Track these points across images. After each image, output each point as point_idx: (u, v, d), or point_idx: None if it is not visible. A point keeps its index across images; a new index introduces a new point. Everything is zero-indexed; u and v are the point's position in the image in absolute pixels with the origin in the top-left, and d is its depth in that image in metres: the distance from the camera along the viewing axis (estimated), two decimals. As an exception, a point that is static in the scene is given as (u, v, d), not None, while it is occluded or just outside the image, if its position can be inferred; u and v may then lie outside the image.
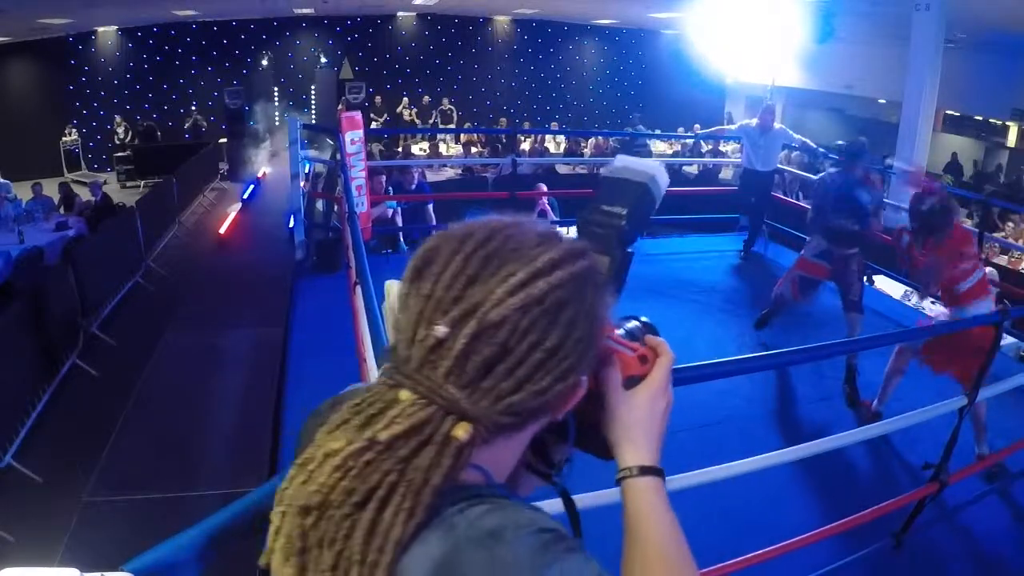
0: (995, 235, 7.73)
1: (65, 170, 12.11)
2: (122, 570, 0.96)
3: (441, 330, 0.56)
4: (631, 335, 0.74)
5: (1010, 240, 7.75)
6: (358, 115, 5.86)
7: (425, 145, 12.82)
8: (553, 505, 0.74)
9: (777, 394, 4.07)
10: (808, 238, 4.51)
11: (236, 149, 11.40)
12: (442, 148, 12.72)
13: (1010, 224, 8.57)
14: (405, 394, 0.58)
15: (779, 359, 3.25)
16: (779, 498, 2.91)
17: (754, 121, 6.25)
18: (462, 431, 0.56)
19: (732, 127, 8.70)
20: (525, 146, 12.29)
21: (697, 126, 12.92)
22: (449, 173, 11.08)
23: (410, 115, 14.19)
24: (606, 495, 1.52)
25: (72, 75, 12.79)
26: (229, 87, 11.91)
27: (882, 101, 12.65)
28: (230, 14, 13.05)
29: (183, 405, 3.93)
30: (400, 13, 14.34)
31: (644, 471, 0.68)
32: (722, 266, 6.23)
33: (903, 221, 3.91)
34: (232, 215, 7.98)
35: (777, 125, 6.21)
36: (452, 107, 14.57)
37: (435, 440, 0.56)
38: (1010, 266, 7.27)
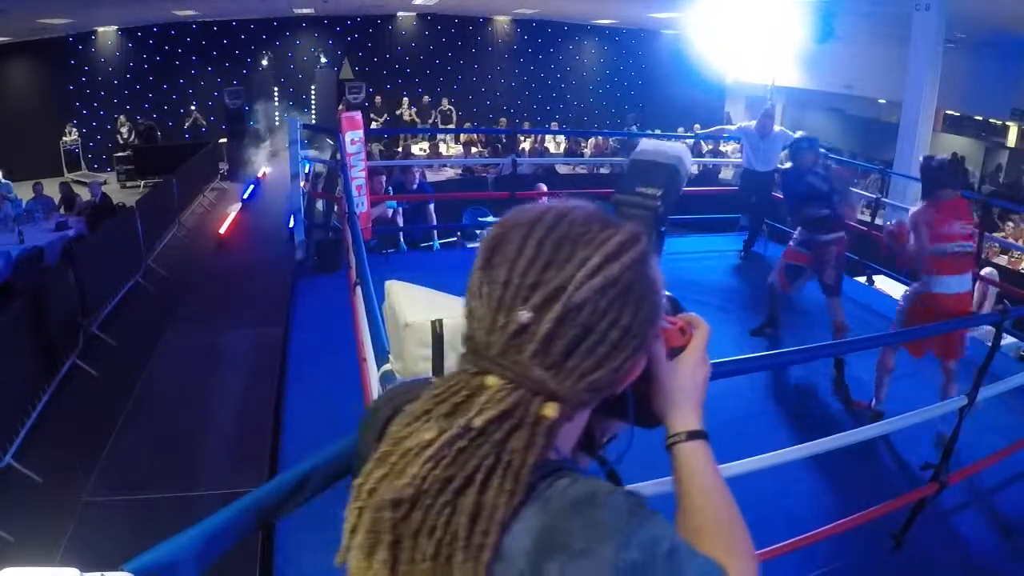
0: (995, 235, 7.73)
1: (65, 170, 12.12)
2: (122, 570, 0.96)
3: (525, 315, 0.58)
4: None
5: (1010, 240, 7.75)
6: (358, 115, 5.86)
7: (425, 145, 12.83)
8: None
9: (777, 394, 4.07)
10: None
11: (236, 149, 11.41)
12: (442, 148, 12.73)
13: (1010, 224, 8.57)
14: (492, 379, 0.59)
15: (779, 359, 3.25)
16: (779, 498, 2.90)
17: (753, 123, 6.25)
18: (551, 410, 0.59)
19: (732, 127, 8.70)
20: (525, 146, 12.29)
21: (697, 126, 12.92)
22: (449, 173, 11.09)
23: (410, 115, 14.19)
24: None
25: (72, 75, 12.80)
26: (229, 87, 11.91)
27: (882, 101, 12.65)
28: (230, 14, 13.06)
29: (183, 405, 3.93)
30: (400, 13, 14.34)
31: (692, 435, 0.72)
32: (722, 266, 6.22)
33: (902, 216, 4.00)
34: (232, 215, 7.98)
35: (777, 128, 6.21)
36: (452, 107, 14.57)
37: (527, 421, 0.58)
38: (1010, 266, 7.27)
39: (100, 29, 12.73)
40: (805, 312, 5.01)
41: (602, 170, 10.92)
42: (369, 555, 0.59)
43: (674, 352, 0.73)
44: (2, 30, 10.88)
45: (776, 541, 2.25)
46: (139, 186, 11.48)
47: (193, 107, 13.44)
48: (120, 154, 12.18)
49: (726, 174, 10.48)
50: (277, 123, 12.34)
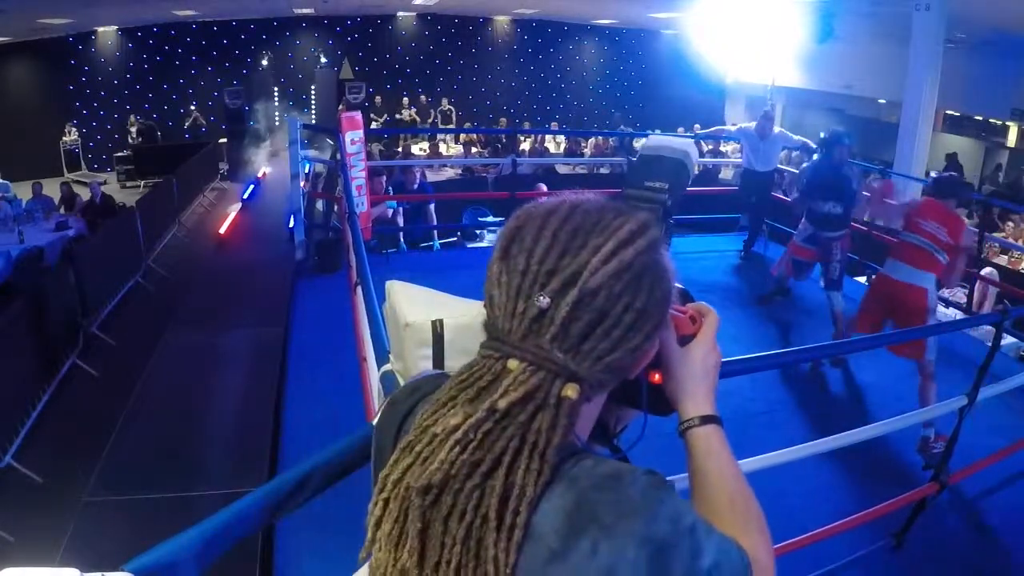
0: (995, 235, 7.72)
1: (65, 170, 12.11)
2: (122, 570, 0.96)
3: (544, 300, 0.61)
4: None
5: (1010, 240, 7.74)
6: (358, 115, 5.86)
7: (425, 145, 12.82)
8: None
9: (777, 394, 4.07)
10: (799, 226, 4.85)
11: (236, 149, 11.41)
12: (442, 148, 12.73)
13: (1010, 224, 8.57)
14: (514, 363, 0.61)
15: (779, 359, 3.25)
16: (779, 498, 2.90)
17: (753, 124, 6.25)
18: (572, 391, 0.60)
19: (731, 127, 8.70)
20: (525, 146, 12.29)
21: (697, 126, 12.92)
22: (449, 173, 11.09)
23: (411, 115, 14.20)
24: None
25: (72, 75, 12.80)
26: (229, 87, 11.91)
27: (882, 101, 12.65)
28: (230, 14, 13.06)
29: (183, 405, 3.93)
30: (400, 13, 14.34)
31: (705, 420, 0.74)
32: (722, 266, 6.22)
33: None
34: (232, 215, 7.99)
35: (776, 129, 6.21)
36: (452, 107, 14.57)
37: (549, 403, 0.60)
38: (1010, 266, 7.27)
39: (100, 29, 12.74)
40: (808, 312, 5.01)
41: (602, 170, 10.92)
42: (397, 545, 0.60)
43: (685, 340, 0.75)
44: (2, 30, 10.88)
45: (776, 541, 2.24)
46: (139, 186, 11.48)
47: (193, 107, 13.45)
48: (120, 154, 12.18)
49: (726, 174, 10.48)
50: (277, 123, 12.35)
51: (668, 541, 0.57)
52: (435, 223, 6.97)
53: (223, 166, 11.41)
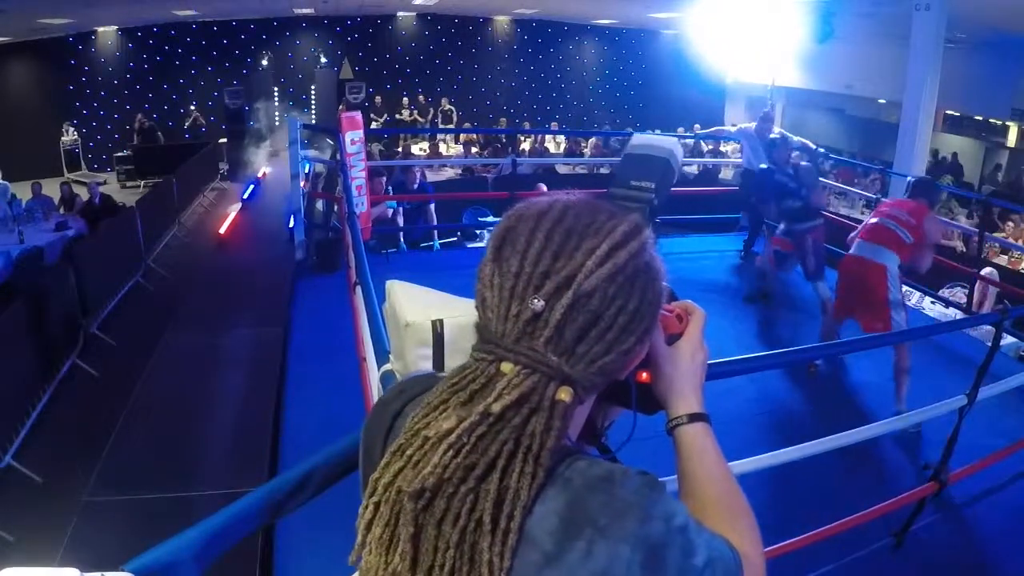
0: (995, 235, 7.72)
1: (65, 170, 12.11)
2: (122, 570, 0.96)
3: (538, 303, 0.60)
4: None
5: (1010, 240, 7.74)
6: (358, 115, 5.86)
7: (425, 145, 12.82)
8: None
9: (777, 394, 4.06)
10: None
11: (236, 149, 11.41)
12: (442, 148, 12.72)
13: (1010, 224, 8.56)
14: (507, 366, 0.61)
15: (779, 359, 3.25)
16: (779, 498, 2.90)
17: (753, 125, 6.25)
18: (565, 394, 0.60)
19: (731, 128, 8.70)
20: (525, 146, 12.30)
21: (697, 126, 12.92)
22: (449, 173, 11.09)
23: (411, 115, 14.19)
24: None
25: (72, 75, 12.80)
26: (229, 87, 11.92)
27: (882, 101, 12.64)
28: (230, 14, 13.06)
29: (183, 405, 3.93)
30: (400, 13, 14.34)
31: (693, 418, 0.74)
32: (722, 266, 6.22)
33: None
34: (232, 215, 7.99)
35: (776, 131, 6.21)
36: (452, 107, 14.57)
37: (543, 406, 0.60)
38: (1010, 266, 7.27)
39: (100, 29, 12.73)
40: (809, 311, 5.01)
41: (602, 170, 10.92)
42: (388, 549, 0.59)
43: (672, 338, 0.75)
44: (2, 30, 10.88)
45: (776, 541, 2.25)
46: (139, 186, 11.48)
47: (193, 107, 13.44)
48: (120, 154, 12.18)
49: (726, 174, 10.48)
50: (277, 123, 12.34)
51: (662, 540, 0.57)
52: (435, 223, 6.97)
53: (223, 166, 11.41)
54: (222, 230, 7.40)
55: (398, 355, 1.44)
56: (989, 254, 7.23)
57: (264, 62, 13.61)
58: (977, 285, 5.52)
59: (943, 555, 2.86)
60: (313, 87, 13.19)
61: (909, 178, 5.53)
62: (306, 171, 6.97)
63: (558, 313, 0.60)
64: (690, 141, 12.43)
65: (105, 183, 11.09)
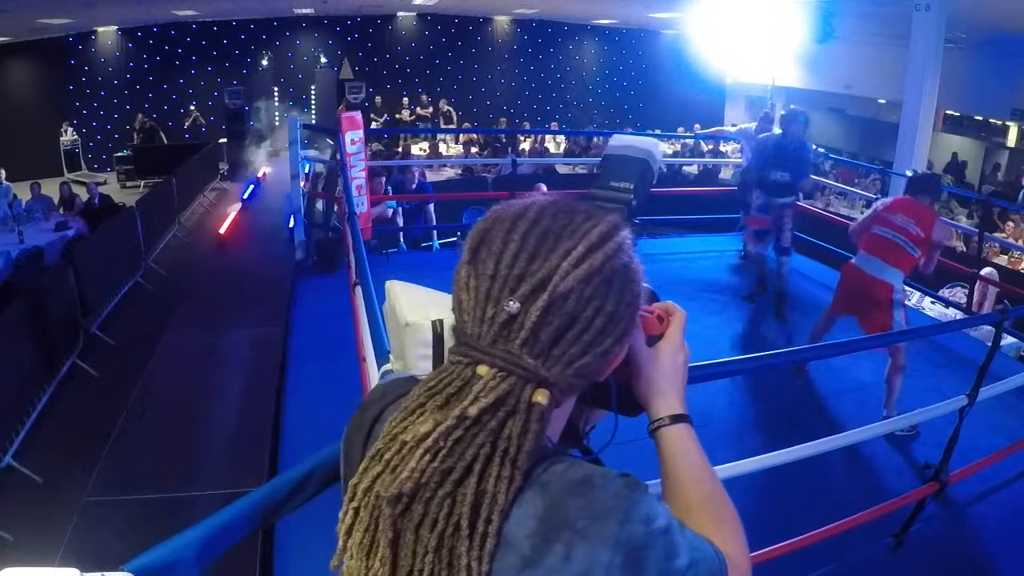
0: (995, 235, 7.72)
1: (65, 170, 12.11)
2: (122, 570, 0.96)
3: (514, 306, 0.60)
4: None
5: (1010, 240, 7.74)
6: (358, 115, 5.86)
7: (425, 145, 12.82)
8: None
9: (777, 394, 4.07)
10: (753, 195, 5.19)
11: (236, 149, 11.41)
12: (442, 148, 12.72)
13: (1010, 224, 8.56)
14: (483, 369, 0.60)
15: (779, 359, 3.25)
16: (779, 498, 2.90)
17: (753, 125, 6.26)
18: (542, 396, 0.60)
19: (731, 128, 8.70)
20: (525, 146, 12.29)
21: (697, 126, 12.92)
22: (449, 173, 11.08)
23: (411, 115, 14.20)
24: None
25: (72, 75, 12.80)
26: (229, 87, 11.90)
27: (882, 101, 12.65)
28: (230, 14, 13.06)
29: (183, 405, 3.93)
30: (400, 13, 14.34)
31: (675, 419, 0.73)
32: (722, 266, 6.22)
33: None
34: (232, 215, 7.99)
35: (776, 131, 6.20)
36: (451, 107, 14.57)
37: (520, 408, 0.59)
38: (1010, 266, 7.27)
39: (100, 29, 12.73)
40: (807, 311, 5.01)
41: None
42: (368, 554, 0.59)
43: (653, 340, 0.75)
44: (2, 30, 10.88)
45: (776, 541, 2.25)
46: (139, 186, 11.47)
47: (193, 107, 13.44)
48: (120, 154, 12.18)
49: (726, 174, 10.48)
50: (277, 123, 12.35)
51: (642, 543, 0.57)
52: (435, 223, 6.97)
53: (223, 166, 11.41)
54: (222, 230, 7.40)
55: (398, 355, 1.45)
56: (989, 254, 7.23)
57: (264, 62, 13.61)
58: (977, 285, 5.52)
59: (943, 555, 2.86)
60: (313, 87, 13.19)
61: (908, 172, 5.48)
62: (306, 171, 6.97)
63: (534, 315, 0.59)
64: (690, 141, 12.44)
65: (105, 183, 11.09)
